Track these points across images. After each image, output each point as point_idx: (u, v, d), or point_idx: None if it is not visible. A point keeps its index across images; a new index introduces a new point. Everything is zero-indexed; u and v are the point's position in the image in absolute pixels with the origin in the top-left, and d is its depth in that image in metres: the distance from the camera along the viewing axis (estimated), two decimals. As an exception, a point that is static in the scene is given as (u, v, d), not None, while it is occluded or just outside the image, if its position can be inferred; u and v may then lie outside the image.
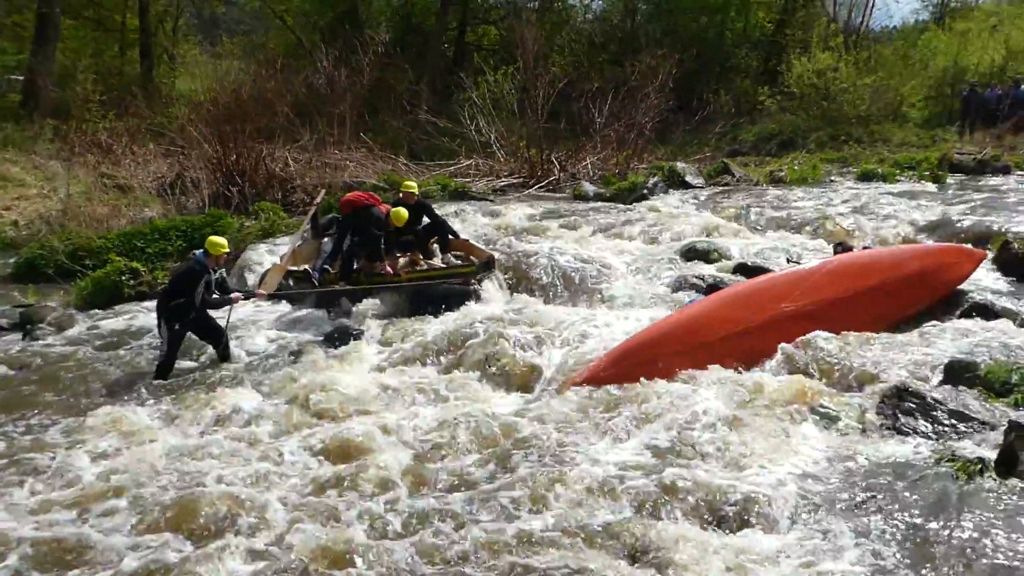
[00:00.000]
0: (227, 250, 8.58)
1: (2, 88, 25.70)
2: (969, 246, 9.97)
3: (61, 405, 7.56)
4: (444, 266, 10.89)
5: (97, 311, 10.76)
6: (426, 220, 11.37)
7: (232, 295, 8.55)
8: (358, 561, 4.71)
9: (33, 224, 15.45)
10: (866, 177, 17.88)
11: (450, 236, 11.41)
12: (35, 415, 7.29)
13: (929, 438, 6.11)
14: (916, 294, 8.59)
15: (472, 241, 11.78)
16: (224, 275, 8.78)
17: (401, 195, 11.24)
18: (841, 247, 10.21)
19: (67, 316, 10.47)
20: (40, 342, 9.56)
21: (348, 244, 10.30)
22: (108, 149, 19.24)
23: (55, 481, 5.88)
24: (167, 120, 21.24)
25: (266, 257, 12.19)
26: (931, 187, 16.48)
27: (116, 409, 7.23)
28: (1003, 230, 11.68)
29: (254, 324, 9.95)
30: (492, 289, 10.33)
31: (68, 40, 25.56)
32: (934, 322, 8.68)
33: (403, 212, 10.43)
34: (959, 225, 12.50)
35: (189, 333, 8.47)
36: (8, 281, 12.63)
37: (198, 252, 8.54)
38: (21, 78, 24.42)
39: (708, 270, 10.92)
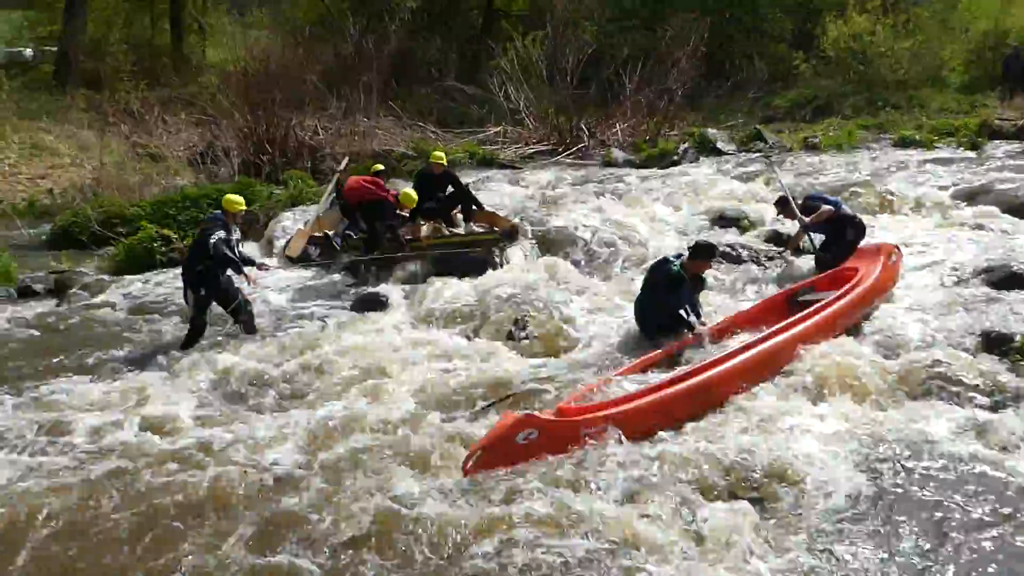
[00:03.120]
0: (243, 208, 8.65)
1: (36, 59, 25.91)
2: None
3: (85, 369, 7.66)
4: (466, 234, 10.87)
5: (129, 277, 10.88)
6: (451, 189, 11.38)
7: (247, 269, 8.28)
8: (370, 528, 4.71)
9: (67, 193, 15.65)
10: (903, 143, 17.54)
11: (474, 207, 11.38)
12: (59, 379, 7.39)
13: (962, 410, 6.02)
14: None
15: (496, 211, 11.73)
16: (239, 238, 8.61)
17: (430, 164, 11.33)
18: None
19: (99, 282, 10.62)
20: (72, 307, 9.69)
21: (364, 226, 10.40)
22: (140, 119, 19.40)
23: (62, 443, 6.02)
24: (198, 90, 21.32)
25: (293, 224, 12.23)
26: (970, 154, 16.10)
27: (133, 375, 7.37)
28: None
29: (279, 290, 9.99)
30: (516, 257, 10.30)
31: (99, 11, 25.59)
32: (971, 292, 8.54)
33: (412, 194, 10.43)
34: (996, 192, 12.21)
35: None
36: (43, 248, 12.82)
37: (216, 212, 8.62)
38: (54, 49, 24.61)
39: (739, 238, 10.81)
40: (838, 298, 7.55)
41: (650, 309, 7.46)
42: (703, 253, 7.51)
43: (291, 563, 4.42)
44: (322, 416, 6.26)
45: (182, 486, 5.24)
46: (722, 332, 7.29)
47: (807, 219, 9.31)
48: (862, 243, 9.11)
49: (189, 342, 8.19)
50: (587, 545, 4.40)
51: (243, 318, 8.44)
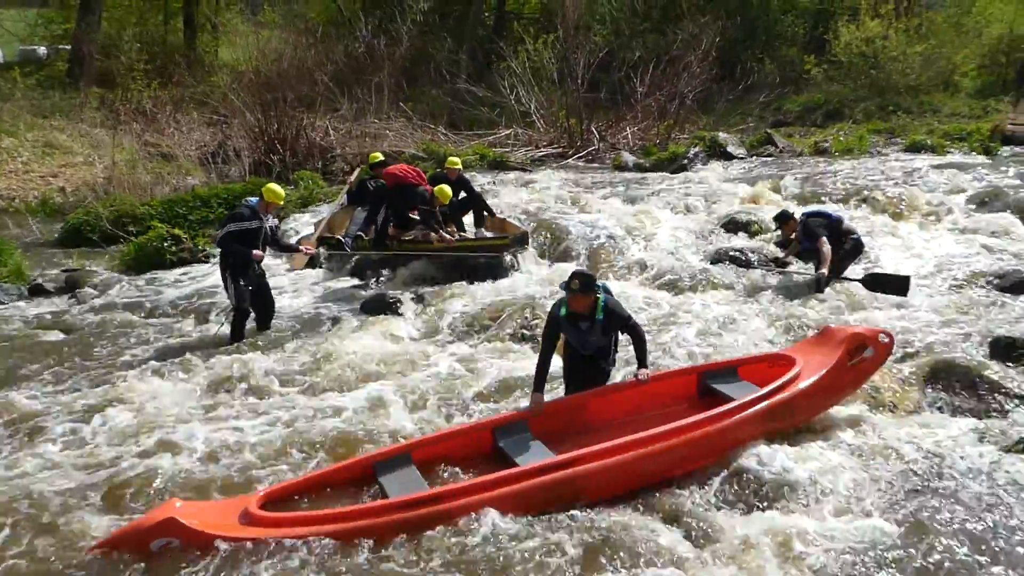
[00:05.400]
0: (281, 201, 8.39)
1: (50, 57, 26.07)
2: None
3: (94, 368, 7.67)
4: (477, 239, 10.90)
5: (139, 276, 10.94)
6: (463, 195, 11.44)
7: (254, 252, 8.07)
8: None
9: (79, 191, 15.74)
10: (914, 148, 17.50)
11: (485, 213, 11.43)
12: (69, 377, 7.41)
13: (974, 416, 6.05)
14: None
15: (507, 218, 11.76)
16: (277, 225, 8.60)
17: (444, 170, 11.37)
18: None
19: (110, 281, 10.67)
20: (83, 305, 9.74)
21: (383, 216, 10.32)
22: (152, 118, 19.49)
23: (72, 439, 6.05)
24: (210, 89, 21.42)
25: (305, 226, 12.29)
26: (982, 159, 16.02)
27: (140, 373, 7.33)
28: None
29: (289, 292, 10.03)
30: (527, 261, 10.32)
31: (113, 9, 25.76)
32: (979, 297, 8.52)
33: (447, 190, 10.44)
34: (1008, 198, 12.14)
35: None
36: (55, 246, 12.91)
37: (251, 199, 8.31)
38: (68, 47, 24.77)
39: (748, 242, 10.78)
40: (737, 409, 5.40)
41: None
42: (567, 287, 5.53)
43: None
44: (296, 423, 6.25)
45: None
46: (580, 414, 5.76)
47: (824, 270, 8.73)
48: (841, 324, 7.10)
49: (235, 334, 8.20)
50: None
51: (263, 321, 8.50)
